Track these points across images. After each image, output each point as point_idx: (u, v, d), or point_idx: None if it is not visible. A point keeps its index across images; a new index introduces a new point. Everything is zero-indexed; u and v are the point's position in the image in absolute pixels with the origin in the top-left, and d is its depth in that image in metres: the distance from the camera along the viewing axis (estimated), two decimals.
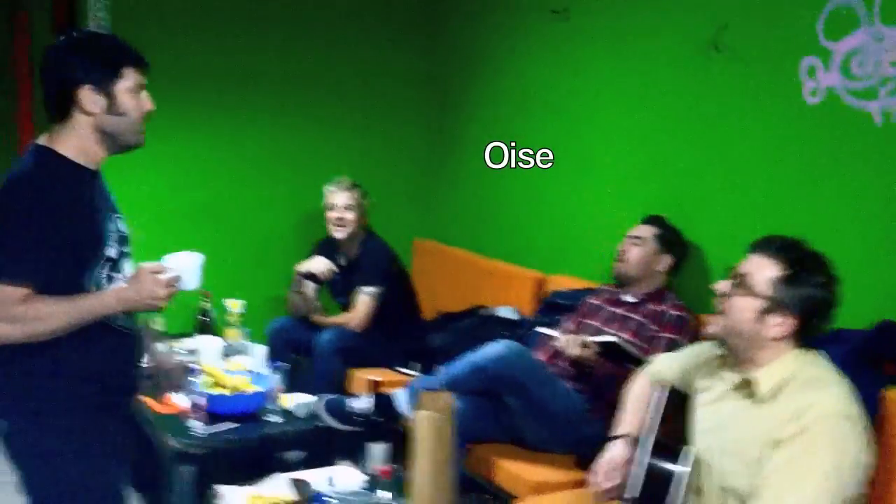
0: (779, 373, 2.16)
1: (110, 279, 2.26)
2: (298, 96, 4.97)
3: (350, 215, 4.36)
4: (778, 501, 2.02)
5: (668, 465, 2.28)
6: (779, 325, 2.16)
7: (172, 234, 4.55)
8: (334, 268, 4.32)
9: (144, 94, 2.27)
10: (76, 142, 2.21)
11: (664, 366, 2.67)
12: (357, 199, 4.39)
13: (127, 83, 2.22)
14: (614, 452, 2.50)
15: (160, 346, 2.60)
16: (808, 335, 2.20)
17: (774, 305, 2.16)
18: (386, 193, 5.02)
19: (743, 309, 2.19)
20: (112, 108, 2.21)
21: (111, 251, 2.26)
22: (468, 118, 5.00)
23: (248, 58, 4.82)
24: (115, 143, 2.26)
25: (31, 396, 2.20)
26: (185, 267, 2.30)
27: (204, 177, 4.83)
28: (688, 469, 2.26)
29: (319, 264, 4.31)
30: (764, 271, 2.18)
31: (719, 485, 2.23)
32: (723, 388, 2.30)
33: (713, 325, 2.29)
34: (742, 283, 2.20)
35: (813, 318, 2.17)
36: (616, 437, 2.56)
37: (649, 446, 2.34)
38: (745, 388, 2.22)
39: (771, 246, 2.21)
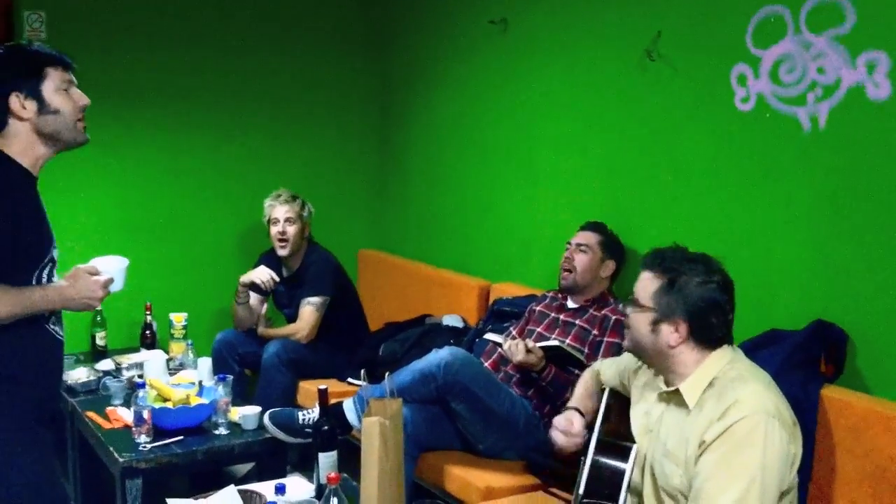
0: (700, 381, 2.23)
1: (49, 280, 2.33)
2: (240, 108, 4.97)
3: (292, 229, 4.35)
4: (711, 502, 2.08)
5: (613, 462, 2.34)
6: (672, 332, 2.24)
7: (115, 248, 4.50)
8: (275, 277, 4.32)
9: (76, 91, 2.36)
10: (20, 146, 2.29)
11: (605, 368, 2.75)
12: (297, 211, 4.38)
13: (53, 82, 2.30)
14: (564, 413, 2.66)
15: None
16: (707, 335, 2.25)
17: (661, 315, 2.25)
18: (330, 204, 5.04)
19: (638, 324, 2.29)
20: (44, 109, 2.29)
21: (55, 252, 2.35)
22: (411, 128, 5.04)
23: (188, 71, 4.81)
24: (58, 142, 2.34)
25: None
26: (115, 269, 2.42)
27: (147, 190, 4.80)
28: (630, 465, 2.31)
29: (261, 273, 4.30)
30: (647, 286, 2.29)
31: (660, 485, 2.29)
32: (655, 394, 2.38)
33: (625, 341, 2.41)
34: (634, 302, 2.32)
35: (703, 319, 2.24)
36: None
37: (593, 443, 2.40)
38: (674, 398, 2.29)
39: (650, 260, 2.33)
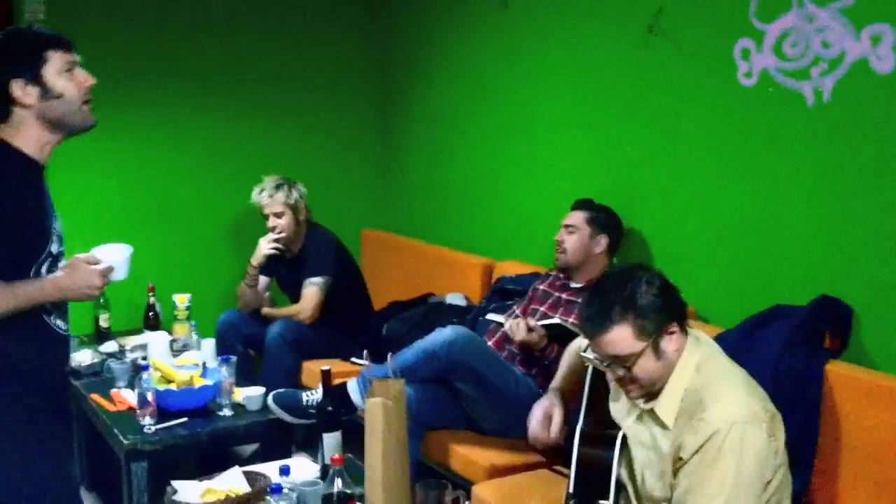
0: (674, 398, 2.17)
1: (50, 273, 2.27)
2: (241, 91, 4.94)
3: (283, 221, 4.30)
4: None
5: (599, 453, 2.32)
6: (670, 340, 2.16)
7: (119, 231, 4.51)
8: (275, 241, 4.31)
9: (80, 72, 2.27)
10: (25, 134, 2.22)
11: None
12: (283, 200, 4.30)
13: (54, 65, 2.21)
14: (544, 403, 2.71)
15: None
16: (685, 317, 2.22)
17: (654, 341, 2.14)
18: (333, 185, 5.03)
19: (647, 367, 2.16)
20: (47, 93, 2.21)
21: (54, 247, 2.28)
22: (413, 108, 5.01)
23: (189, 54, 4.79)
24: (65, 127, 2.26)
25: None
26: (116, 258, 2.36)
27: (149, 173, 4.80)
28: (616, 455, 2.29)
29: (263, 246, 4.31)
30: (624, 337, 2.14)
31: (643, 495, 2.28)
32: (630, 407, 2.32)
33: (633, 393, 2.22)
34: (621, 362, 2.16)
35: (678, 304, 2.19)
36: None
37: (578, 434, 2.38)
38: (651, 416, 2.24)
39: (599, 321, 2.15)
